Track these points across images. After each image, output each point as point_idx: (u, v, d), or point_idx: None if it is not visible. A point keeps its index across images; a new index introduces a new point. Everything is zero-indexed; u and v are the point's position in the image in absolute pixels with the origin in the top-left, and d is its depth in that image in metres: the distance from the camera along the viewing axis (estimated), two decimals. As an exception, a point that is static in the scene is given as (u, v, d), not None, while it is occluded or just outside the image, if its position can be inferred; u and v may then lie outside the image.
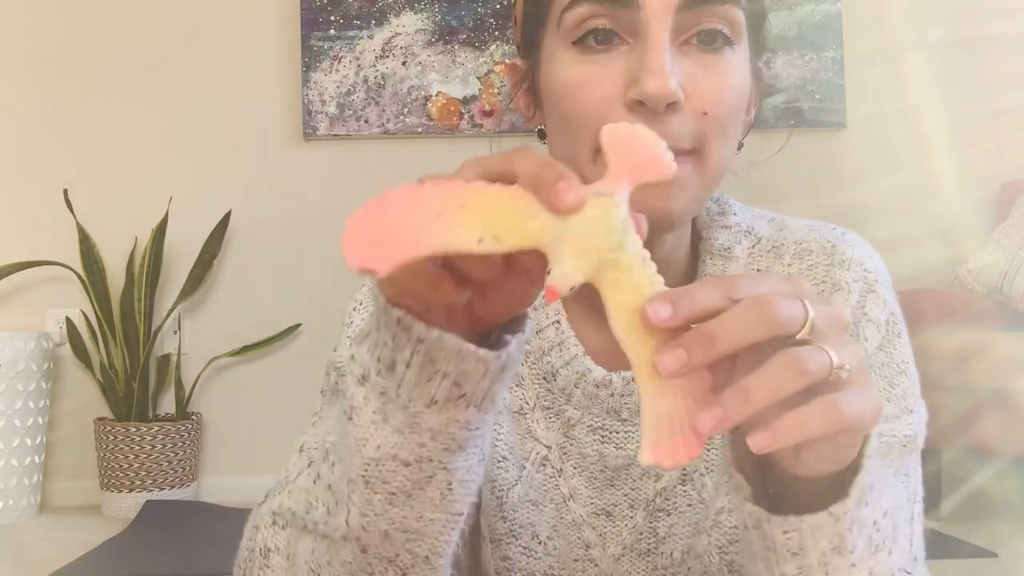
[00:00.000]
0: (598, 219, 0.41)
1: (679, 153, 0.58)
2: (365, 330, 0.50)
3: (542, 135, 0.68)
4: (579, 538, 0.68)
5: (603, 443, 0.68)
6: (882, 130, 2.89)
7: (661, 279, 0.42)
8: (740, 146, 0.67)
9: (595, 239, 0.41)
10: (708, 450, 0.68)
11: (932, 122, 2.86)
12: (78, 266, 2.73)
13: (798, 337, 0.41)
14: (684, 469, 0.68)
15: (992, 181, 2.87)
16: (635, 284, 0.42)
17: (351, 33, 2.90)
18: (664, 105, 0.57)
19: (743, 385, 0.40)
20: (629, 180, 0.42)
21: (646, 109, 0.57)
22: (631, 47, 0.59)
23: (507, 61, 2.65)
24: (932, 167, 2.88)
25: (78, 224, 2.72)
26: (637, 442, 0.68)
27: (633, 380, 0.64)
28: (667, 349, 0.40)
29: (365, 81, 2.89)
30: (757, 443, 0.40)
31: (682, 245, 0.69)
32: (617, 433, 0.68)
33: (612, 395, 0.67)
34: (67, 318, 2.77)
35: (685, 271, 0.71)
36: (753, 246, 0.71)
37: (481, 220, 0.40)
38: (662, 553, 0.68)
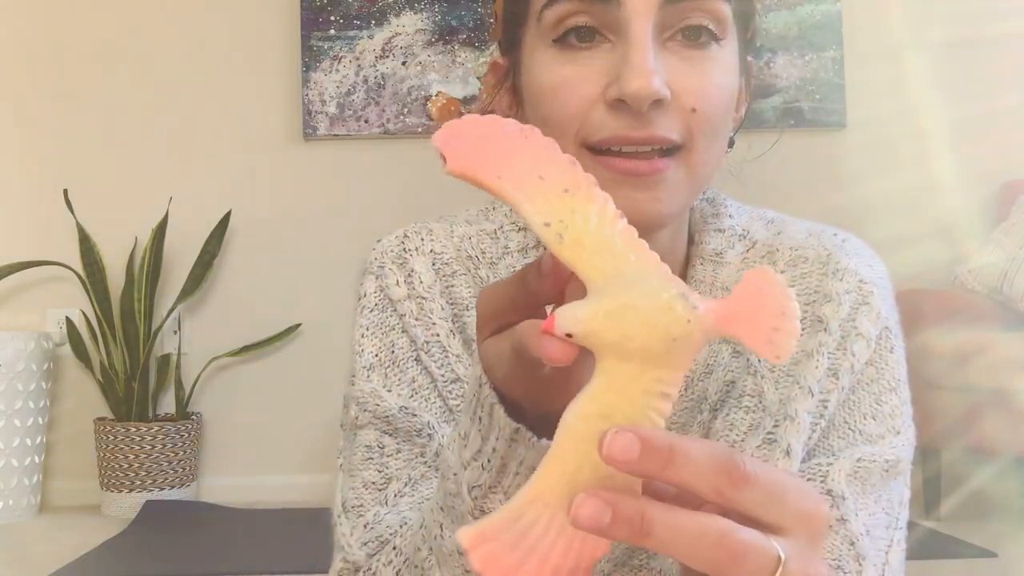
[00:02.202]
0: (659, 314, 0.34)
1: (666, 150, 0.57)
2: (464, 434, 0.48)
3: None
4: None
5: None
6: (882, 130, 2.89)
7: (663, 422, 0.34)
8: (731, 143, 0.65)
9: (636, 321, 0.33)
10: None
11: (932, 122, 2.85)
12: (78, 266, 2.73)
13: None
14: None
15: (992, 181, 2.87)
16: (632, 395, 0.34)
17: (351, 33, 2.89)
18: (647, 105, 0.55)
19: None
20: (729, 323, 0.34)
21: (628, 108, 0.56)
22: (613, 44, 0.57)
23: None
24: (932, 167, 2.87)
25: (78, 224, 2.72)
26: None
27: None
28: (594, 498, 0.33)
29: (365, 81, 2.89)
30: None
31: (678, 247, 0.68)
32: None
33: None
34: (67, 318, 2.77)
35: (678, 275, 0.69)
36: (747, 251, 0.68)
37: (565, 213, 0.35)
38: (653, 569, 0.66)
